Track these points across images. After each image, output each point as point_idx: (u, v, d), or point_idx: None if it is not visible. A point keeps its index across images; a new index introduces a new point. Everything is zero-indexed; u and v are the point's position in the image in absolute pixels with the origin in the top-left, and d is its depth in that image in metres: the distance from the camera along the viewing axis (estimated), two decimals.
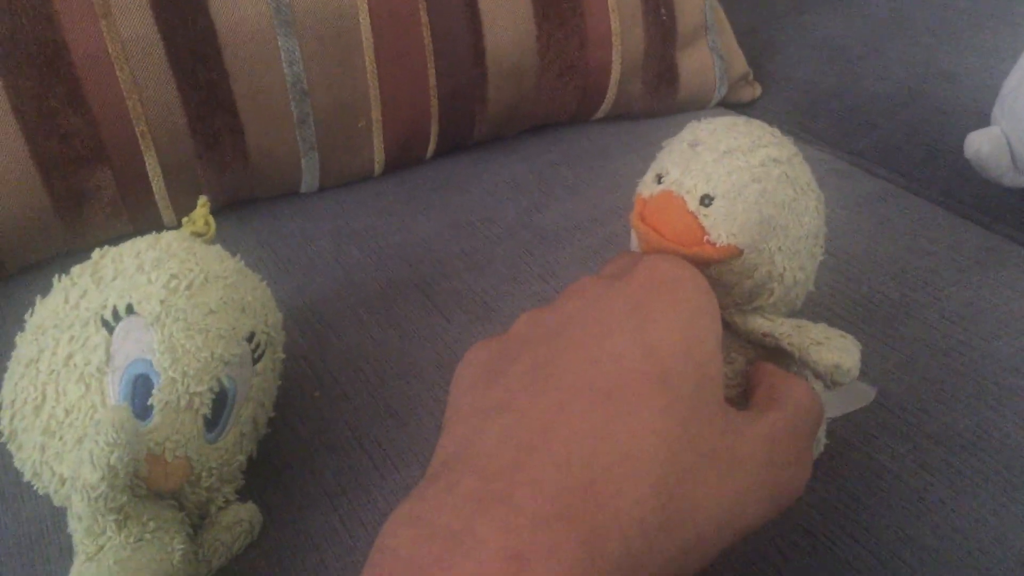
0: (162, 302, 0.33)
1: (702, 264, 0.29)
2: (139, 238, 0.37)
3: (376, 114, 0.57)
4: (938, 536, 0.33)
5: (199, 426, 0.33)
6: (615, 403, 0.24)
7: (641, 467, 0.23)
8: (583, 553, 0.21)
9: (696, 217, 0.29)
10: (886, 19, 0.79)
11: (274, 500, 0.37)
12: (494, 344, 0.27)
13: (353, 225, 0.55)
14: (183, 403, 0.32)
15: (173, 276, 0.34)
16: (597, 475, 0.22)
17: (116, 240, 0.37)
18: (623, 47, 0.62)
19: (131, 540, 0.31)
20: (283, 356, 0.39)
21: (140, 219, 0.54)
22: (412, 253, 0.52)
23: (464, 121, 0.60)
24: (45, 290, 0.35)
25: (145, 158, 0.51)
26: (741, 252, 0.29)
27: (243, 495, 0.35)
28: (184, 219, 0.39)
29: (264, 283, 0.39)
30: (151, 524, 0.31)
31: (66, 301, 0.34)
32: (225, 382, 0.34)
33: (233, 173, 0.55)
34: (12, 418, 0.33)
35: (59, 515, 0.36)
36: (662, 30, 0.63)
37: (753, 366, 0.31)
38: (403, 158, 0.60)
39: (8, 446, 0.33)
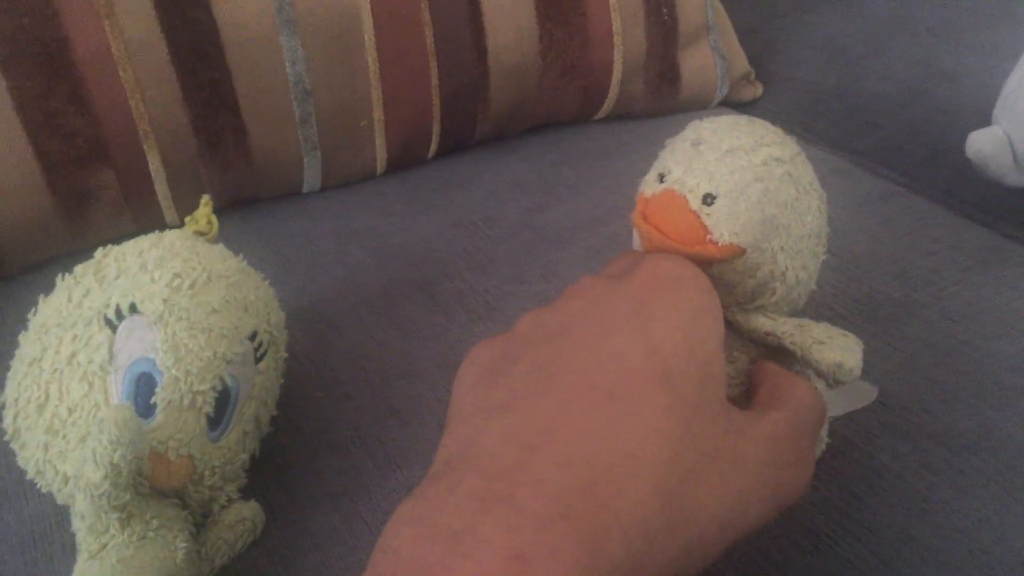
0: (165, 301, 0.33)
1: (704, 263, 0.29)
2: (142, 237, 0.37)
3: (378, 114, 0.57)
4: (940, 536, 0.33)
5: (202, 425, 0.33)
6: (617, 403, 0.24)
7: (643, 467, 0.23)
8: (585, 553, 0.21)
9: (698, 216, 0.29)
10: (887, 19, 0.79)
11: (277, 499, 0.37)
12: (496, 344, 0.27)
13: (355, 225, 0.55)
14: (186, 402, 0.32)
15: (176, 275, 0.34)
16: (599, 475, 0.22)
17: (119, 239, 0.37)
18: (625, 47, 0.62)
19: (134, 538, 0.31)
20: (286, 355, 0.39)
21: (143, 218, 0.54)
22: (414, 253, 0.52)
23: (466, 121, 0.60)
24: (48, 289, 0.35)
25: (148, 158, 0.51)
26: (743, 251, 0.29)
27: (246, 494, 0.35)
28: (187, 218, 0.39)
29: (266, 282, 0.40)
30: (154, 522, 0.31)
31: (69, 300, 0.34)
32: (228, 381, 0.34)
33: (235, 172, 0.55)
34: (15, 417, 0.33)
35: (62, 513, 0.36)
36: (664, 30, 0.63)
37: (755, 365, 0.31)
38: (405, 158, 0.60)
39: (11, 445, 0.33)
